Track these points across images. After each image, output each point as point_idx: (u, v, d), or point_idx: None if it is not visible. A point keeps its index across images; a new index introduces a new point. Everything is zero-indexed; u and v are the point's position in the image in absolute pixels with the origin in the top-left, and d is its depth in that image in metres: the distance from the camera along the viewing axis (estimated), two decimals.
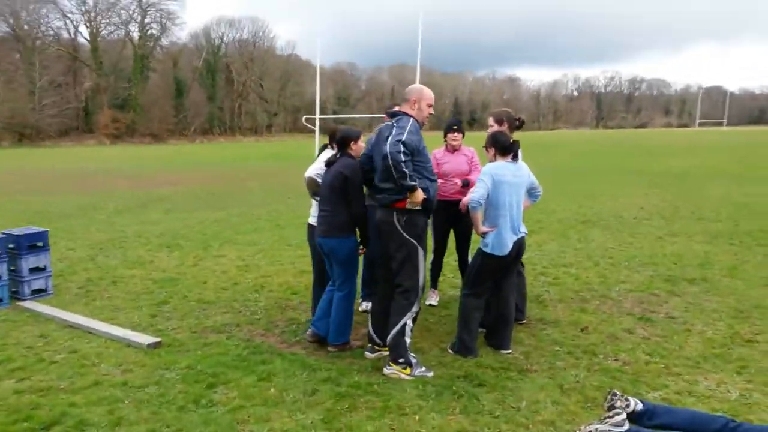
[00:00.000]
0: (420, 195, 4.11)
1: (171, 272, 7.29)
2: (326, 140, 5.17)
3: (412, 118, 4.24)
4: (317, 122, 36.10)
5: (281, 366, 4.36)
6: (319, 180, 4.79)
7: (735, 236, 9.10)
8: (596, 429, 3.21)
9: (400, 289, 4.27)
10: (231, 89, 79.01)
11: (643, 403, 3.48)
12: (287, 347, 4.81)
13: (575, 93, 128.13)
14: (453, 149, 5.68)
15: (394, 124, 4.21)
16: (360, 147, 4.76)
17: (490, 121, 5.19)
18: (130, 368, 4.33)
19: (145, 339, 4.78)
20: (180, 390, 3.94)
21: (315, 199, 4.90)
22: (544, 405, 3.72)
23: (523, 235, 4.60)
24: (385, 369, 4.24)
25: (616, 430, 3.17)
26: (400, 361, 4.20)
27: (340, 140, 4.70)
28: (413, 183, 4.05)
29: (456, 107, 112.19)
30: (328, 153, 4.93)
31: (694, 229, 9.81)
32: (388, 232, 4.26)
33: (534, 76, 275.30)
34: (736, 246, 8.43)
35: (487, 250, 4.48)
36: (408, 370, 4.19)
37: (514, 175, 4.50)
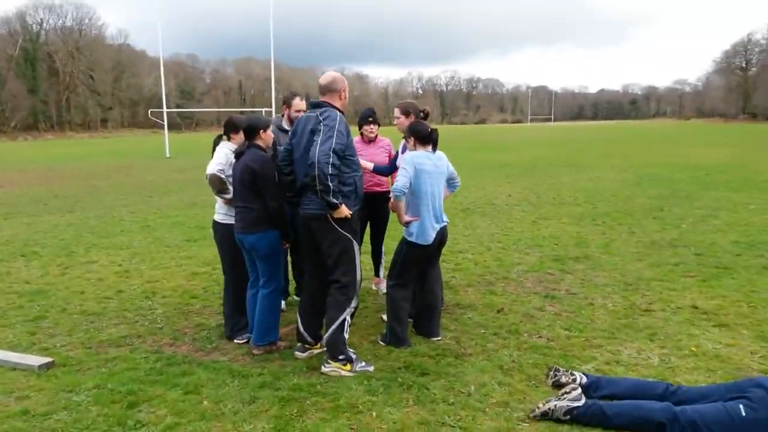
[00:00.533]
0: (343, 212, 3.92)
1: (36, 283, 6.36)
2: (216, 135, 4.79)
3: (339, 114, 4.01)
4: (165, 116, 34.17)
5: (206, 376, 3.95)
6: (223, 176, 4.41)
7: (597, 217, 9.96)
8: (555, 406, 3.27)
9: (337, 285, 4.05)
10: (56, 81, 71.82)
11: (586, 376, 3.63)
12: (204, 355, 4.38)
13: (420, 91, 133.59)
14: (369, 140, 5.56)
15: (321, 120, 3.91)
16: (269, 136, 4.47)
17: (397, 112, 5.15)
18: (25, 394, 3.67)
19: (34, 360, 4.09)
20: (97, 413, 3.41)
21: (221, 197, 4.49)
22: (492, 387, 3.73)
23: (445, 224, 4.59)
24: (323, 367, 4.01)
25: (574, 404, 3.25)
26: (340, 357, 4.00)
27: (248, 129, 4.37)
28: (335, 201, 3.83)
29: (308, 102, 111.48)
30: (227, 146, 4.56)
31: (559, 212, 10.59)
32: (320, 228, 4.02)
33: (381, 74, 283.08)
34: (601, 226, 9.22)
35: (412, 239, 4.41)
36: (348, 366, 4.00)
37: (435, 164, 4.47)
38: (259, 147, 4.35)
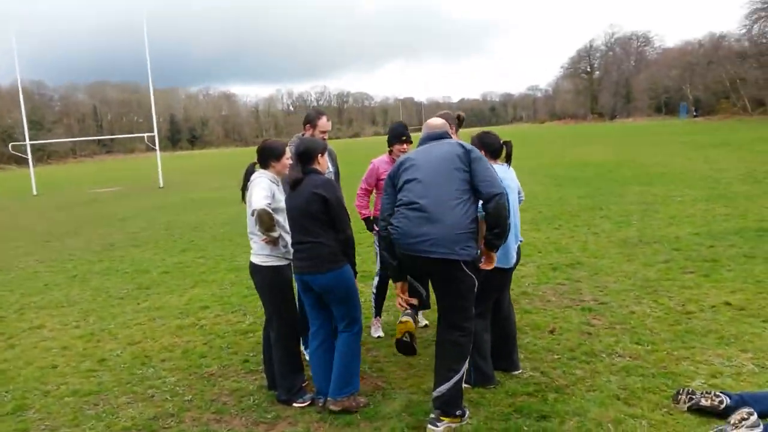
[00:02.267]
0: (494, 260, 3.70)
1: None
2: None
3: None
4: (28, 148, 30.69)
5: None
6: (270, 209, 3.75)
7: (551, 221, 10.08)
8: None
9: (461, 333, 3.55)
10: None
11: (728, 396, 3.42)
12: (270, 428, 3.66)
13: (291, 107, 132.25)
14: None
15: (470, 150, 3.62)
16: (325, 162, 3.92)
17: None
18: None
19: None
20: None
21: (268, 235, 3.80)
22: (629, 422, 3.41)
23: (521, 241, 4.25)
24: (434, 427, 3.45)
25: (753, 431, 3.01)
26: (458, 413, 3.48)
27: (305, 154, 3.79)
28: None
29: (173, 125, 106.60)
30: (266, 175, 3.92)
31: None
32: (453, 271, 3.54)
33: (249, 92, 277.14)
34: (561, 229, 9.33)
35: (501, 263, 3.99)
36: (459, 420, 3.50)
37: (512, 179, 4.13)
38: (318, 173, 3.78)
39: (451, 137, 3.89)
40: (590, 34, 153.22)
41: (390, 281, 5.26)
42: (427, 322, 5.38)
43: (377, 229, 4.67)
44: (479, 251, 3.62)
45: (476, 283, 3.54)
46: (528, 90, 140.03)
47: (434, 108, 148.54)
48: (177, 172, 34.29)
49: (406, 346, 3.74)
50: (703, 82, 61.53)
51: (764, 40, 54.02)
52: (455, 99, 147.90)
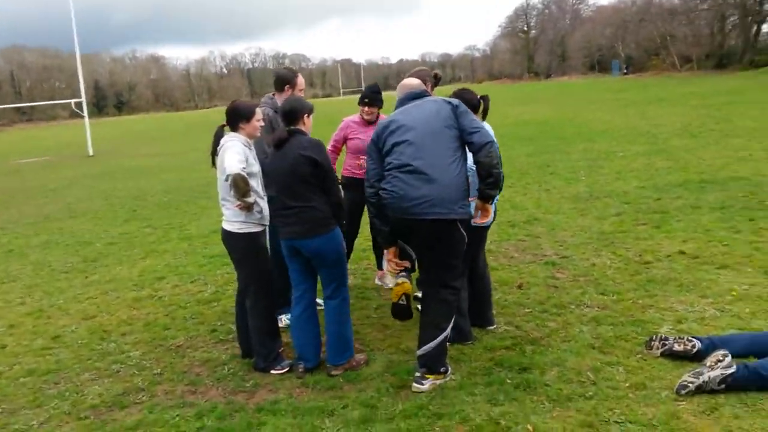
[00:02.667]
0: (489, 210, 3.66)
1: None
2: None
3: None
4: None
5: (285, 424, 3.19)
6: (245, 173, 3.56)
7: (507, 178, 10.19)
8: (709, 377, 3.12)
9: (451, 290, 3.55)
10: None
11: (699, 339, 3.54)
12: (250, 397, 3.55)
13: (225, 70, 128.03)
14: (369, 122, 4.93)
15: (457, 105, 3.55)
16: (310, 123, 3.78)
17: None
18: None
19: None
20: None
21: (244, 201, 3.61)
22: (608, 370, 3.48)
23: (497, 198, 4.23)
24: (419, 385, 3.43)
25: (728, 371, 3.13)
26: (442, 369, 3.49)
27: (291, 113, 3.66)
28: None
29: (98, 90, 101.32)
30: (238, 138, 3.73)
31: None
32: (451, 230, 3.49)
33: (179, 54, 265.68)
34: (514, 188, 9.45)
35: (486, 222, 3.96)
36: (442, 376, 3.51)
37: (491, 134, 4.07)
38: (303, 133, 3.63)
39: (430, 95, 3.80)
40: None
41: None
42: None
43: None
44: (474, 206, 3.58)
45: (466, 240, 3.51)
46: (466, 50, 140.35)
47: (373, 69, 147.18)
48: (106, 139, 32.66)
49: (402, 310, 3.65)
50: (635, 40, 63.18)
51: None
52: (394, 60, 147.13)
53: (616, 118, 18.84)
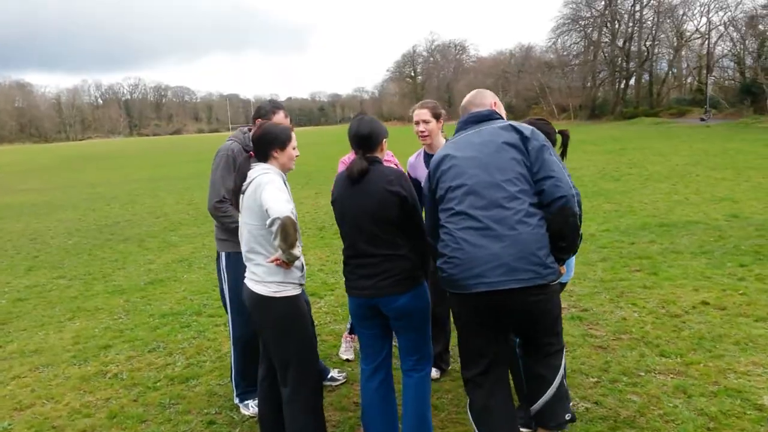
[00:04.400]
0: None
1: None
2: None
3: None
4: None
5: None
6: (295, 217, 2.70)
7: None
8: None
9: (557, 349, 2.80)
10: None
11: None
12: None
13: (100, 100, 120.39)
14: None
15: (535, 137, 2.73)
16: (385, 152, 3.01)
17: (425, 115, 3.84)
18: None
19: None
20: None
21: (290, 254, 2.71)
22: None
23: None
24: None
25: None
26: (567, 417, 2.80)
27: (369, 138, 2.86)
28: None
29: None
30: (273, 170, 2.86)
31: None
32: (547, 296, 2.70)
33: (48, 82, 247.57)
34: None
35: (564, 279, 3.27)
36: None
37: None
38: (381, 163, 2.86)
39: (501, 117, 2.93)
40: (414, 40, 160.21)
41: None
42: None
43: None
44: None
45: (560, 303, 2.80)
46: (355, 91, 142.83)
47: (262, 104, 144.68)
48: None
49: None
50: (516, 89, 67.14)
51: (565, 53, 60.50)
52: (283, 97, 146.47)
53: None
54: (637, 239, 7.72)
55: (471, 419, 2.74)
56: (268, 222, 2.66)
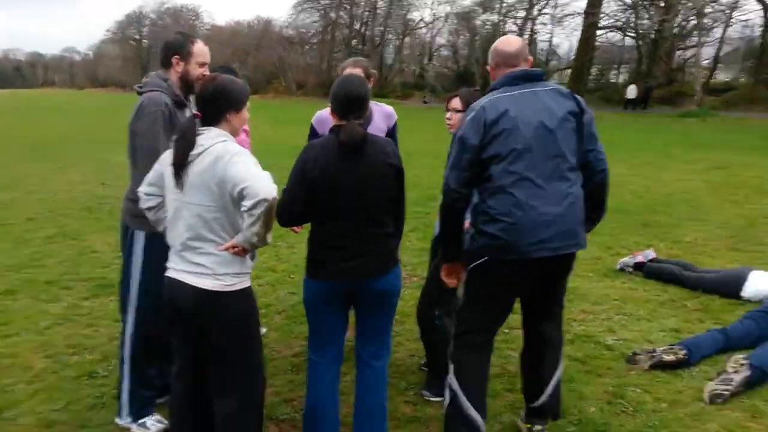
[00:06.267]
0: None
1: None
2: None
3: None
4: None
5: None
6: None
7: None
8: (738, 382, 3.27)
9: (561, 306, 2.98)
10: None
11: (680, 346, 3.71)
12: None
13: None
14: None
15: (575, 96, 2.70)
16: None
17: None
18: None
19: None
20: None
21: (265, 240, 2.27)
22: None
23: None
24: None
25: (748, 373, 3.32)
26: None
27: (357, 101, 2.53)
28: None
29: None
30: (227, 138, 2.38)
31: None
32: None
33: None
34: None
35: None
36: None
37: None
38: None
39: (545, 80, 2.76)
40: (140, 1, 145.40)
41: None
42: None
43: None
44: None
45: None
46: (64, 51, 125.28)
47: None
48: None
49: None
50: (255, 63, 66.23)
51: (304, 30, 61.69)
52: None
53: None
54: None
55: (455, 385, 2.68)
56: (250, 203, 2.15)
